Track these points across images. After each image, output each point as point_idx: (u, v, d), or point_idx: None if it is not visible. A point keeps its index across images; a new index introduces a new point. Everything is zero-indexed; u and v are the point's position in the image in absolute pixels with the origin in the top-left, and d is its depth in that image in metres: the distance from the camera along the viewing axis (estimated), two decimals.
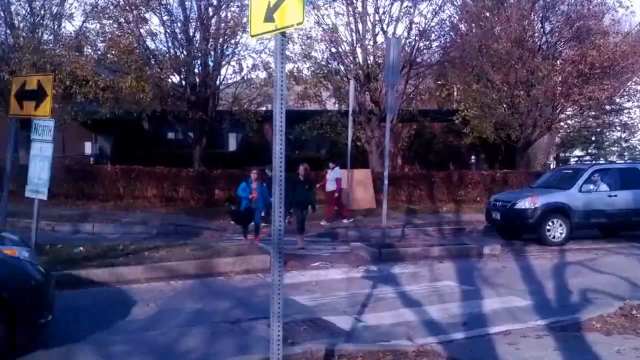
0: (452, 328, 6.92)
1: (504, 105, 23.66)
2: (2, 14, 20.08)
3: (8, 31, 20.22)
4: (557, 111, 24.00)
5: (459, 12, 24.68)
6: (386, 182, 12.34)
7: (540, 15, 23.83)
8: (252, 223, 12.74)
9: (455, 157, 28.48)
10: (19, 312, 5.50)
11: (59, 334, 6.15)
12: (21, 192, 9.26)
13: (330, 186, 16.71)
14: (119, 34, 20.20)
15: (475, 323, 7.15)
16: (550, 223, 13.65)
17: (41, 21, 20.43)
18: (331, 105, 24.43)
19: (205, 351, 6.00)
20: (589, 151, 37.54)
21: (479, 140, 24.73)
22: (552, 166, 34.14)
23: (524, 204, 14.05)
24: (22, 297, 5.59)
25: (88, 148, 32.14)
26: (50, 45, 20.06)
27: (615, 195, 14.15)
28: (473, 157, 29.18)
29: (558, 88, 22.91)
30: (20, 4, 20.22)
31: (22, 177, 9.39)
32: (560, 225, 13.67)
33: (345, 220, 16.43)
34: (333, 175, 16.77)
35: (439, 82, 25.05)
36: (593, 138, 35.95)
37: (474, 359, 5.80)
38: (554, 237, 13.58)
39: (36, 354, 5.69)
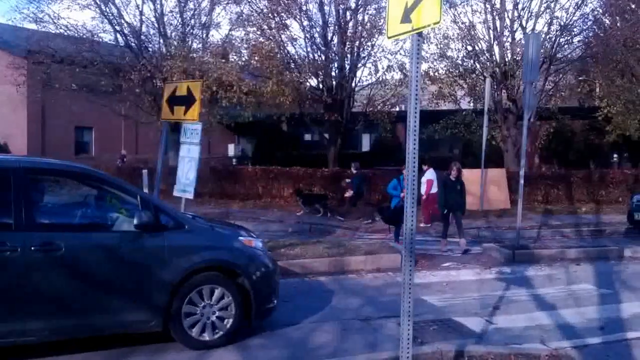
0: (588, 332, 6.69)
1: None
2: (156, 25, 21.80)
3: (161, 41, 21.88)
4: None
5: (603, 6, 23.17)
6: (522, 181, 11.95)
7: None
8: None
9: (596, 156, 27.01)
10: (253, 297, 6.08)
11: None
12: (170, 191, 9.90)
13: (421, 189, 15.52)
14: (262, 40, 21.19)
15: (613, 328, 6.87)
16: None
17: (191, 30, 21.90)
18: (465, 104, 23.96)
19: (336, 347, 6.15)
20: None
21: (622, 139, 23.22)
22: None
23: None
24: (256, 283, 6.12)
25: (231, 149, 34.13)
26: (199, 53, 21.36)
27: None
28: (615, 155, 27.33)
29: None
30: (172, 15, 21.86)
31: (171, 177, 9.99)
32: None
33: (421, 224, 15.02)
34: (425, 177, 15.78)
35: (580, 78, 23.76)
36: None
37: None
38: None
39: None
